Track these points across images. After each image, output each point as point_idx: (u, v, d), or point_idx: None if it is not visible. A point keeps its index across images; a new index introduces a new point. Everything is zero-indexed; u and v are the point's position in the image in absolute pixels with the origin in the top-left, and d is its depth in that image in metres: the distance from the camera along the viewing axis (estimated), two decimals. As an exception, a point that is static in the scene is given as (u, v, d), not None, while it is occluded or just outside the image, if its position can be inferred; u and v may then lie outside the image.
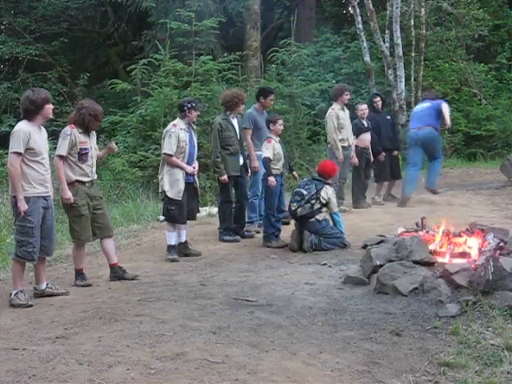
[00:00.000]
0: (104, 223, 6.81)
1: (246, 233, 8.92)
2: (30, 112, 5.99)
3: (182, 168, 7.71)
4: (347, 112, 10.48)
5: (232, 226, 8.83)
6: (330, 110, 10.40)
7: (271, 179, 8.19)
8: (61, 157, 6.53)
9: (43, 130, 6.20)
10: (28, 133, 5.89)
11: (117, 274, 6.84)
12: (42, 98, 5.99)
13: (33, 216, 5.91)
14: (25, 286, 6.27)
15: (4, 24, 21.99)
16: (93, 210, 6.69)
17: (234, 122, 8.81)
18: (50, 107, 6.07)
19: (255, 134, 9.15)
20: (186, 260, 7.72)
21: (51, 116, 6.18)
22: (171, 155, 7.67)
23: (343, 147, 10.25)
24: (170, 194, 7.68)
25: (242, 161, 8.86)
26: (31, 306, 5.91)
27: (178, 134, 7.69)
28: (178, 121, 7.88)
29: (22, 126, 5.96)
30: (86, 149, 6.59)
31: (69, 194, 6.49)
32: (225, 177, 8.57)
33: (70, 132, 6.56)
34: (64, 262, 7.82)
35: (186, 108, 7.81)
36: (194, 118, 7.95)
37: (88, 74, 20.13)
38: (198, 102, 8.18)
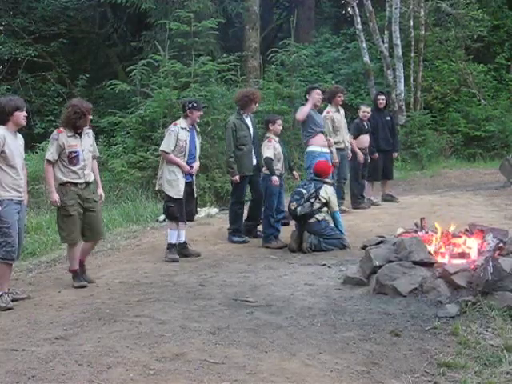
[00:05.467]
0: (95, 226, 6.78)
1: (258, 232, 8.85)
2: (1, 118, 6.05)
3: (179, 166, 7.72)
4: (342, 112, 10.48)
5: (241, 227, 8.80)
6: (324, 113, 10.33)
7: (275, 179, 8.21)
8: (48, 161, 6.57)
9: (19, 136, 6.25)
10: (3, 137, 5.94)
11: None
12: (10, 106, 6.04)
13: (7, 217, 5.95)
14: (9, 287, 6.24)
15: (3, 25, 22.01)
16: (85, 211, 6.69)
17: (248, 121, 8.80)
18: (20, 115, 6.10)
19: (312, 130, 9.30)
20: (186, 261, 7.71)
21: (23, 123, 6.19)
22: (168, 153, 7.69)
23: (340, 149, 10.23)
24: (170, 193, 7.70)
25: (255, 161, 8.79)
26: (11, 308, 5.90)
27: (177, 133, 7.70)
28: (180, 120, 7.91)
29: None
30: (75, 152, 6.58)
31: (55, 197, 6.52)
32: (236, 177, 8.55)
33: (57, 136, 6.58)
34: (64, 263, 7.81)
35: (187, 108, 7.83)
36: (196, 118, 7.90)
37: (87, 75, 20.15)
38: (199, 102, 8.13)
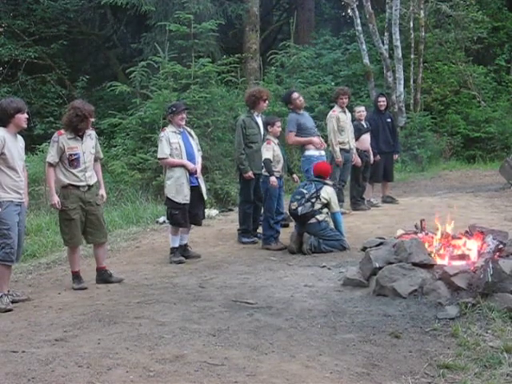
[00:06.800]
0: (96, 229, 6.78)
1: (258, 235, 8.84)
2: (2, 120, 6.07)
3: (182, 165, 7.67)
4: (349, 115, 10.44)
5: (251, 227, 8.80)
6: (330, 112, 10.40)
7: (273, 179, 8.20)
8: (50, 164, 6.58)
9: (19, 138, 6.28)
10: (3, 138, 5.96)
11: (102, 277, 6.88)
12: (12, 108, 6.06)
13: (7, 219, 5.97)
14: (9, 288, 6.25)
15: (3, 26, 21.99)
16: (87, 214, 6.69)
17: (259, 120, 8.82)
18: (21, 117, 6.11)
19: (303, 135, 9.31)
20: (186, 262, 7.71)
21: (24, 126, 6.21)
22: (165, 158, 7.68)
23: (344, 150, 10.22)
24: (177, 200, 7.66)
25: None
26: (10, 310, 5.90)
27: (168, 138, 7.68)
28: (168, 126, 7.90)
29: None
30: (75, 154, 6.58)
31: (55, 200, 6.53)
32: (249, 173, 8.56)
33: (57, 139, 6.59)
34: (63, 265, 7.83)
35: (167, 114, 7.92)
36: (178, 122, 7.76)
37: (87, 77, 20.13)
38: (179, 106, 7.94)
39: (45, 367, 4.25)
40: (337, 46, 22.20)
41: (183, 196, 7.68)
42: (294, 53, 16.11)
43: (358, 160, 10.59)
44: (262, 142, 8.65)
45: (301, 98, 9.50)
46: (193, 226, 8.50)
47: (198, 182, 7.89)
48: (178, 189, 7.68)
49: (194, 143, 7.97)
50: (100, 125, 15.16)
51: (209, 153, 12.44)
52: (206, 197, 8.10)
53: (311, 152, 9.30)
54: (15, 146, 6.10)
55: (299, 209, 8.05)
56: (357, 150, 10.63)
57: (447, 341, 4.83)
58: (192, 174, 7.74)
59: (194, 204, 7.82)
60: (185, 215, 7.72)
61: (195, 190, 7.83)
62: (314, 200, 8.05)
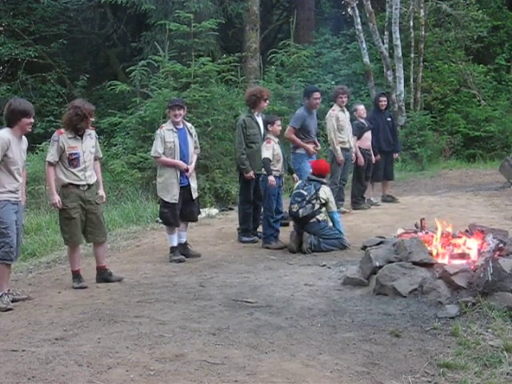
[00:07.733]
0: (96, 228, 6.77)
1: (259, 234, 8.84)
2: (9, 120, 6.05)
3: (173, 165, 7.64)
4: (347, 114, 10.46)
5: (251, 227, 8.81)
6: (330, 111, 10.42)
7: (271, 179, 8.19)
8: (50, 163, 6.57)
9: (24, 139, 6.24)
10: (8, 141, 5.94)
11: (102, 276, 6.87)
12: (19, 110, 6.02)
13: (4, 217, 5.96)
14: (9, 287, 6.23)
15: (3, 25, 22.00)
16: (86, 213, 6.69)
17: (259, 119, 8.81)
18: (27, 121, 6.07)
19: (302, 136, 9.33)
20: (186, 261, 7.71)
21: (28, 130, 6.15)
22: (158, 156, 7.68)
23: (344, 149, 10.25)
24: (166, 199, 7.67)
25: None
26: (11, 309, 5.90)
27: (163, 135, 7.65)
28: (166, 123, 7.88)
29: (4, 134, 6.00)
30: (75, 154, 6.57)
31: (56, 199, 6.53)
32: (250, 173, 8.56)
33: (58, 138, 6.58)
34: (63, 264, 7.81)
35: (166, 109, 7.87)
36: (173, 117, 7.67)
37: (87, 76, 20.15)
38: (174, 101, 7.91)
39: (45, 366, 4.25)
40: (337, 45, 22.18)
41: (172, 195, 7.68)
42: (294, 52, 16.10)
43: (361, 159, 10.62)
44: (263, 142, 8.64)
45: (319, 101, 9.52)
46: (192, 224, 8.52)
47: (189, 181, 7.86)
48: (167, 188, 7.68)
49: (192, 141, 7.89)
50: (100, 124, 15.16)
51: (209, 152, 12.45)
52: (195, 196, 7.96)
53: (302, 150, 9.36)
54: (18, 149, 6.08)
55: (300, 211, 8.03)
56: (359, 148, 10.66)
57: (447, 340, 4.83)
58: (183, 173, 7.72)
59: (187, 203, 7.82)
60: (174, 214, 7.70)
61: (186, 188, 7.81)
62: (314, 201, 8.05)
